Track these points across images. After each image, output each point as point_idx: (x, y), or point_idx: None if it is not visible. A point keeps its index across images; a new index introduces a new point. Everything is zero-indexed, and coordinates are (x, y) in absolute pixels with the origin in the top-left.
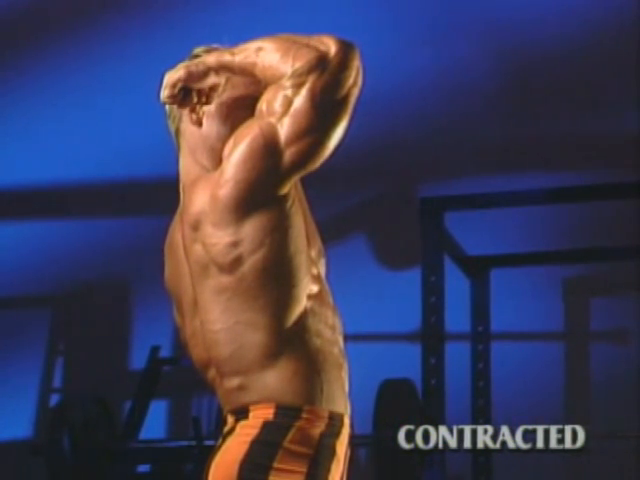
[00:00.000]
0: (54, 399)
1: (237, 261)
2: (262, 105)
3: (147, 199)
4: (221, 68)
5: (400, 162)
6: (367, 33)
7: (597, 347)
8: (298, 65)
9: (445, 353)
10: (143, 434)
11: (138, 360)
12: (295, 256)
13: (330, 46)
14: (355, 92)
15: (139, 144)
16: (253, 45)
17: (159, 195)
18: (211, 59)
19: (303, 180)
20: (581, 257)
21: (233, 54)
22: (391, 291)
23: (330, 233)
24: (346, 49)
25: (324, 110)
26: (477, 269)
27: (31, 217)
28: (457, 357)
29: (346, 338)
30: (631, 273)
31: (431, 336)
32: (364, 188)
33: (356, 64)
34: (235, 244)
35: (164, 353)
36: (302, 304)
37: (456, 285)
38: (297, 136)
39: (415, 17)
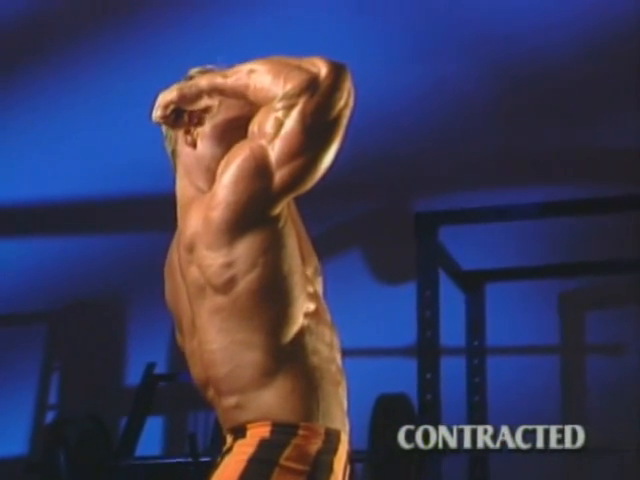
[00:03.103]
0: (50, 416)
1: (231, 282)
2: (254, 127)
3: (143, 216)
4: (213, 90)
5: (395, 177)
6: (361, 47)
7: (593, 360)
8: (289, 87)
9: (441, 368)
10: (139, 451)
11: (134, 377)
12: (289, 275)
13: (321, 68)
14: (346, 114)
15: (137, 160)
16: (245, 67)
17: (155, 212)
18: (203, 82)
19: (298, 196)
20: (576, 271)
21: (225, 76)
22: (387, 306)
23: (326, 249)
24: (337, 71)
25: (315, 132)
26: (472, 284)
27: (27, 234)
28: (453, 371)
29: (342, 353)
30: (626, 286)
31: (427, 351)
32: (359, 203)
33: (347, 86)
34: (229, 265)
35: (159, 369)
36: (298, 322)
37: (451, 299)
38: (288, 158)
39: (409, 32)
